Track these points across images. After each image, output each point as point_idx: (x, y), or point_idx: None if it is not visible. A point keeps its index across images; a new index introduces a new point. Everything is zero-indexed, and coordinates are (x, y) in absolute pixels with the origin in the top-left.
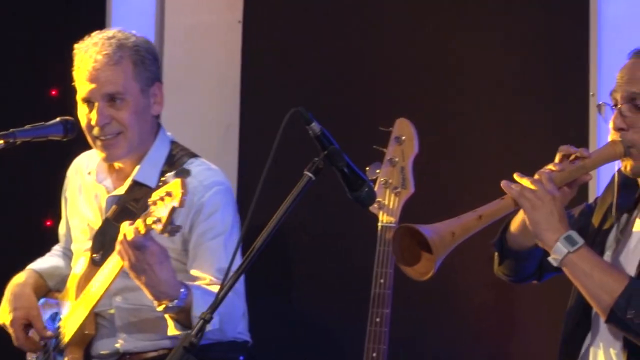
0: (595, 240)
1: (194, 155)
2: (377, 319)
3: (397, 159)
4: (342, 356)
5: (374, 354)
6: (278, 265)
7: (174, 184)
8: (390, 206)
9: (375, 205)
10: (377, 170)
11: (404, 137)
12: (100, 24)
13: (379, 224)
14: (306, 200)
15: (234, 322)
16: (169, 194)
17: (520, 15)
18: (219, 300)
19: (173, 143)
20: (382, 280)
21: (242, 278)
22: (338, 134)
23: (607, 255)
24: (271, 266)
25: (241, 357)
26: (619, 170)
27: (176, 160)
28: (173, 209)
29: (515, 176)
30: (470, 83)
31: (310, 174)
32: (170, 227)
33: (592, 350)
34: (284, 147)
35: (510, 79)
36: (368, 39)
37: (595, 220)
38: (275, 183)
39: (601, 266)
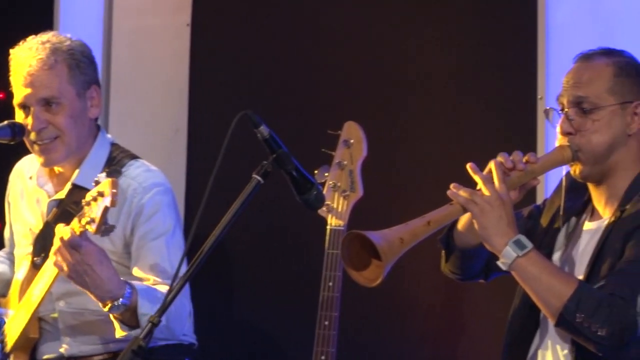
0: (543, 242)
1: (134, 157)
2: (326, 322)
3: (345, 162)
4: (293, 359)
5: (323, 357)
6: (227, 267)
7: (105, 183)
8: (339, 209)
9: (324, 208)
10: (326, 174)
11: (352, 141)
12: (48, 28)
13: (328, 227)
14: (255, 203)
15: (181, 320)
16: (101, 194)
17: (469, 19)
18: (167, 302)
19: (113, 145)
20: (330, 284)
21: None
22: (287, 137)
23: (556, 258)
24: (220, 269)
25: (187, 359)
26: (567, 174)
27: (116, 163)
28: (106, 209)
29: (452, 187)
30: (419, 86)
31: (258, 178)
32: (104, 226)
33: (540, 352)
34: (232, 150)
35: (458, 83)
36: (316, 43)
37: (544, 221)
38: (224, 186)
39: (550, 270)
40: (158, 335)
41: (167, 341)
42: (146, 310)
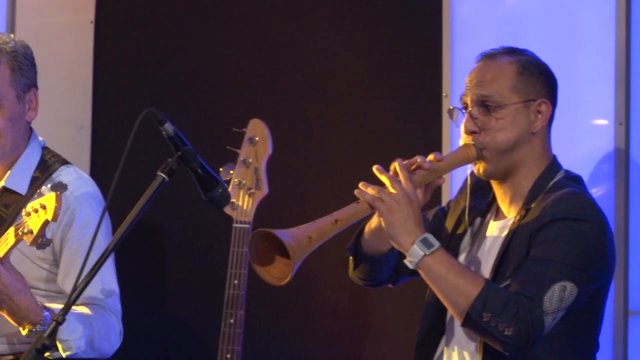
0: (449, 243)
1: (65, 163)
2: (231, 320)
3: (250, 160)
4: (199, 357)
5: (228, 355)
6: (132, 266)
7: (49, 197)
8: (245, 207)
9: (230, 206)
10: (231, 171)
11: (257, 138)
12: None
13: (233, 225)
14: (161, 200)
15: (109, 341)
16: (43, 207)
17: (375, 17)
18: (70, 304)
19: (45, 149)
20: (236, 282)
21: (117, 295)
22: (192, 134)
23: (462, 259)
24: (125, 267)
25: None
26: (472, 173)
27: (48, 167)
28: (46, 222)
29: (360, 185)
30: (324, 84)
31: (163, 175)
32: (41, 240)
33: (446, 351)
34: (137, 148)
35: (364, 81)
36: (221, 40)
37: (449, 223)
38: (129, 184)
39: (457, 269)
40: (83, 356)
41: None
42: (65, 336)
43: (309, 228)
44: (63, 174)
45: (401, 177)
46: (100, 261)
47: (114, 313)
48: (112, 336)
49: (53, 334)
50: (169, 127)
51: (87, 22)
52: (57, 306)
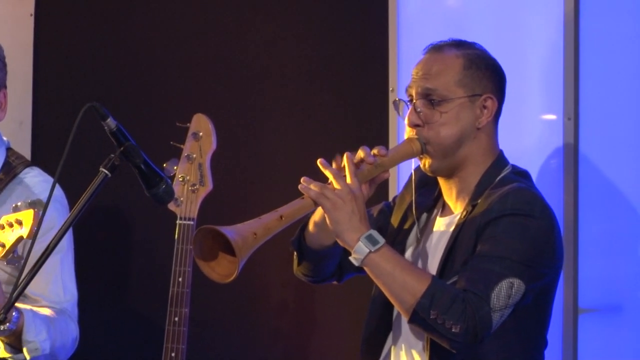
0: (395, 239)
1: (29, 165)
2: (176, 318)
3: (194, 155)
4: (143, 356)
5: (173, 354)
6: (76, 263)
7: (26, 213)
8: (189, 203)
9: (173, 202)
10: (175, 167)
11: (201, 133)
12: None
13: (177, 221)
14: (103, 197)
15: (66, 346)
16: (19, 222)
17: (320, 10)
18: (13, 299)
19: (9, 150)
20: (180, 279)
21: (75, 300)
22: (134, 130)
23: (408, 255)
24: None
25: None
26: (417, 168)
27: (12, 169)
28: (20, 239)
29: (303, 180)
30: (269, 78)
31: (106, 171)
32: (12, 255)
33: (394, 349)
34: (79, 143)
35: (309, 74)
36: (165, 35)
37: (395, 219)
38: (70, 180)
39: (403, 266)
40: None
41: None
42: (31, 337)
43: (254, 224)
44: (28, 177)
45: (347, 172)
46: (42, 259)
47: (73, 319)
48: (69, 341)
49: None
50: (111, 122)
51: (26, 14)
52: (25, 306)
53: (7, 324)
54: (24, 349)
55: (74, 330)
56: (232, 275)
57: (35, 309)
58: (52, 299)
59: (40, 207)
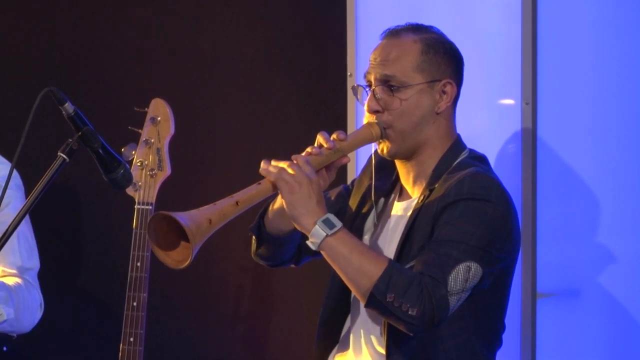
0: (353, 223)
1: None
2: (134, 303)
3: (152, 140)
4: (100, 341)
5: (131, 339)
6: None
7: None
8: (147, 188)
9: (132, 187)
10: (133, 152)
11: (159, 118)
12: None
13: (136, 206)
14: (62, 181)
15: (31, 312)
16: None
17: None
18: None
19: None
20: (138, 264)
21: (36, 270)
22: (92, 115)
23: (366, 239)
24: None
25: (4, 348)
26: (375, 152)
27: None
28: None
29: (262, 164)
30: (227, 64)
31: (64, 156)
32: None
33: (352, 333)
34: (36, 128)
35: (267, 59)
36: (122, 20)
37: (353, 203)
38: (29, 166)
39: (360, 250)
40: (7, 329)
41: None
42: None
43: (209, 210)
44: None
45: (299, 161)
46: (1, 242)
47: (35, 286)
48: (34, 308)
49: None
50: (69, 107)
51: None
52: None
53: None
54: None
55: (37, 297)
56: (186, 261)
57: None
58: (10, 269)
59: None
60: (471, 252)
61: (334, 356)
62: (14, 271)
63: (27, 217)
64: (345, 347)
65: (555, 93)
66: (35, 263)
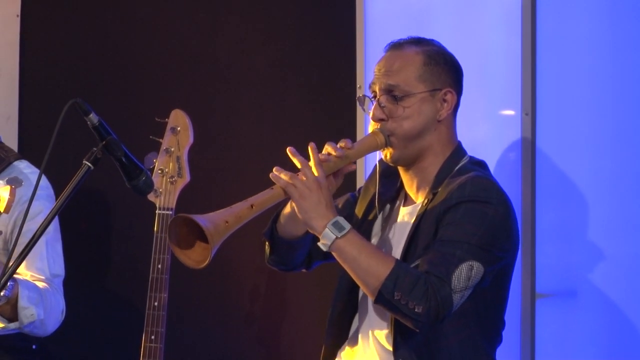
0: (360, 229)
1: (19, 158)
2: (155, 303)
3: (172, 149)
4: (123, 339)
5: (153, 337)
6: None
7: (3, 189)
8: (167, 194)
9: (153, 193)
10: (154, 160)
11: (179, 128)
12: None
13: (157, 211)
14: (87, 188)
15: (55, 317)
16: None
17: (290, 9)
18: (10, 270)
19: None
20: (159, 266)
21: (61, 278)
22: (116, 125)
23: (373, 243)
24: None
25: (34, 346)
26: (380, 160)
27: (2, 161)
28: None
29: (275, 170)
30: (243, 75)
31: (89, 164)
32: None
33: (360, 332)
34: (63, 137)
35: (282, 72)
36: (145, 34)
37: (359, 210)
38: (56, 172)
39: (368, 250)
40: (33, 330)
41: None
42: (26, 303)
43: (226, 213)
44: (17, 169)
45: (312, 162)
46: (30, 245)
47: (59, 293)
48: (57, 312)
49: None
50: (93, 117)
51: (13, 15)
52: (17, 276)
53: (5, 290)
54: (20, 315)
55: (61, 302)
56: (205, 261)
57: (26, 279)
58: (38, 275)
59: (17, 184)
60: (473, 252)
61: (342, 352)
62: (42, 277)
63: (57, 226)
64: (353, 344)
65: (553, 104)
66: (61, 271)
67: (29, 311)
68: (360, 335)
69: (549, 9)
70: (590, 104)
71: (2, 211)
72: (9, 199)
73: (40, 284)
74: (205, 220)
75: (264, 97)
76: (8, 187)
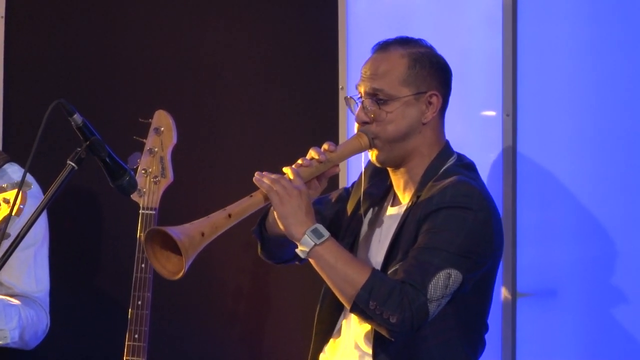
0: (349, 226)
1: (9, 161)
2: (139, 302)
3: (156, 149)
4: (107, 338)
5: (136, 336)
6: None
7: (13, 193)
8: (151, 194)
9: (137, 193)
10: (138, 160)
11: (162, 128)
12: None
13: (140, 211)
14: (73, 188)
15: (36, 334)
16: (6, 202)
17: (272, 10)
18: None
19: None
20: (142, 265)
21: (46, 291)
22: (100, 125)
23: (359, 243)
24: None
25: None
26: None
27: None
28: (8, 217)
29: (256, 174)
30: (224, 76)
31: (72, 164)
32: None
33: (343, 333)
34: (48, 138)
35: (263, 72)
36: (128, 35)
37: (349, 206)
38: (40, 172)
39: (345, 259)
40: (12, 346)
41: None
42: (1, 326)
43: (203, 223)
44: (9, 172)
45: (290, 173)
46: (12, 247)
47: (44, 309)
48: (39, 330)
49: None
50: (77, 118)
51: None
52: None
53: None
54: None
55: (44, 320)
56: (180, 273)
57: (7, 298)
58: (24, 289)
59: (26, 187)
60: (451, 260)
61: (326, 347)
62: (27, 291)
63: (46, 234)
64: (336, 345)
65: (534, 105)
66: (46, 284)
67: (2, 334)
68: (342, 338)
69: (530, 11)
70: (570, 105)
71: (13, 214)
72: (20, 202)
73: (20, 302)
74: (179, 233)
75: (246, 98)
76: (19, 191)
